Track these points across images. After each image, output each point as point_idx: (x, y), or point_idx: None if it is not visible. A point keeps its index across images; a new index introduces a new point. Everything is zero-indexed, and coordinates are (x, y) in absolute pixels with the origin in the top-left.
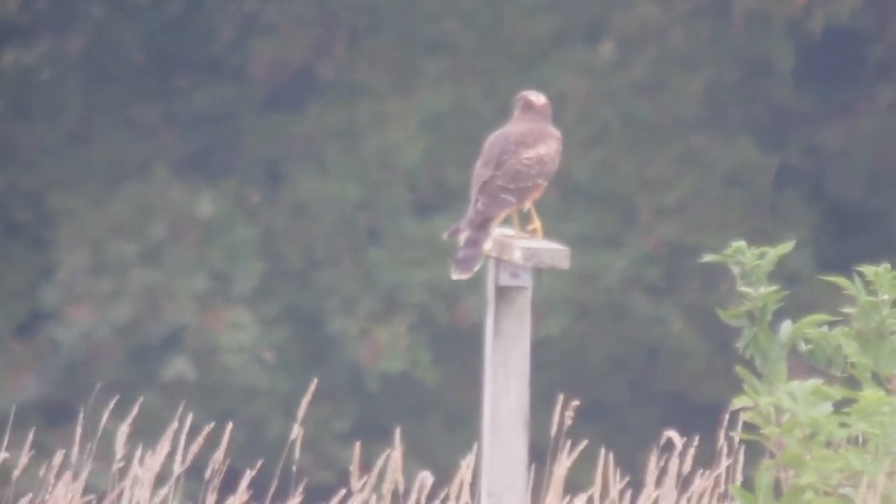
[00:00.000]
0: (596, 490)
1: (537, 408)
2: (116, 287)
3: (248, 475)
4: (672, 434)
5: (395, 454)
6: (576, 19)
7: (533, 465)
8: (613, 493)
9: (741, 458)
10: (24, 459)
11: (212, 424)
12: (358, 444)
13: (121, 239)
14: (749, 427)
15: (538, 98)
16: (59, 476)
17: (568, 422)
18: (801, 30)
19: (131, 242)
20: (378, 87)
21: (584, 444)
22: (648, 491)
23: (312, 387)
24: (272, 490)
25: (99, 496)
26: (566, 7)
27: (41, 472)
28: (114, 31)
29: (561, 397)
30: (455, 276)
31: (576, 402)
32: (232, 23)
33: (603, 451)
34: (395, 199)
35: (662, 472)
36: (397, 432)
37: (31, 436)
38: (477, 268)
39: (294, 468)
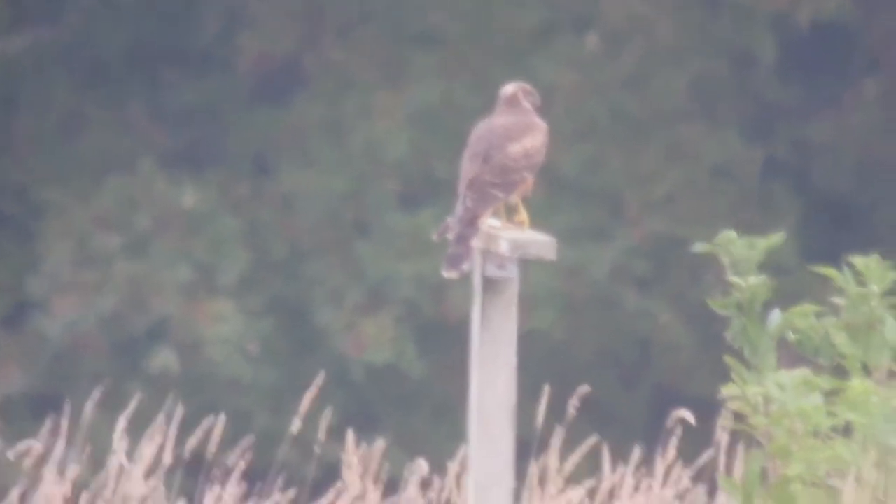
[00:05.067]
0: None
1: (526, 402)
2: (102, 279)
3: (241, 467)
4: (685, 414)
5: (382, 446)
6: (563, 11)
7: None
8: (606, 485)
9: (722, 448)
10: (37, 446)
11: (207, 420)
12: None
13: (106, 231)
14: (737, 417)
15: (522, 88)
16: (46, 468)
17: (572, 411)
18: (787, 23)
19: (116, 234)
20: (365, 79)
21: (590, 440)
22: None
23: (319, 380)
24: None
25: (83, 487)
26: None
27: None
28: (100, 24)
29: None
30: (446, 274)
31: (585, 388)
32: (218, 15)
33: (606, 446)
34: (382, 191)
35: (648, 461)
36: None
37: (46, 423)
38: (466, 266)
39: (279, 459)
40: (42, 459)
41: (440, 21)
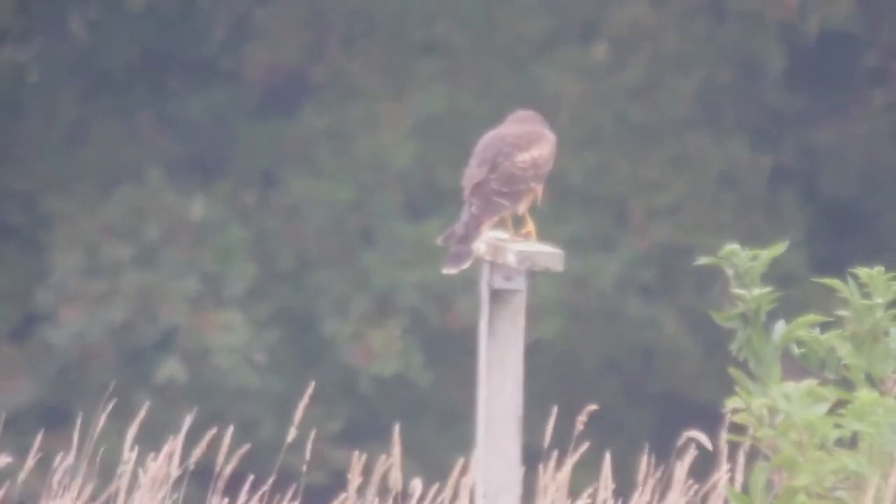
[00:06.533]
0: (603, 491)
1: (531, 411)
2: (109, 289)
3: (251, 478)
4: (698, 435)
5: (395, 451)
6: (569, 20)
7: (539, 469)
8: (606, 495)
9: (725, 460)
10: (29, 462)
11: (214, 430)
12: (357, 452)
13: (114, 241)
14: (739, 429)
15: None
16: (59, 481)
17: (580, 427)
18: (794, 32)
19: (125, 245)
20: (371, 89)
21: (584, 446)
22: (647, 496)
23: (309, 390)
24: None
25: (95, 499)
26: (559, 8)
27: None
28: (107, 34)
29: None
30: (444, 271)
31: (593, 407)
32: (225, 26)
33: (608, 455)
34: (388, 201)
35: (665, 474)
36: (396, 430)
37: (54, 434)
38: (467, 264)
39: (284, 468)
40: (51, 471)
41: (445, 30)
